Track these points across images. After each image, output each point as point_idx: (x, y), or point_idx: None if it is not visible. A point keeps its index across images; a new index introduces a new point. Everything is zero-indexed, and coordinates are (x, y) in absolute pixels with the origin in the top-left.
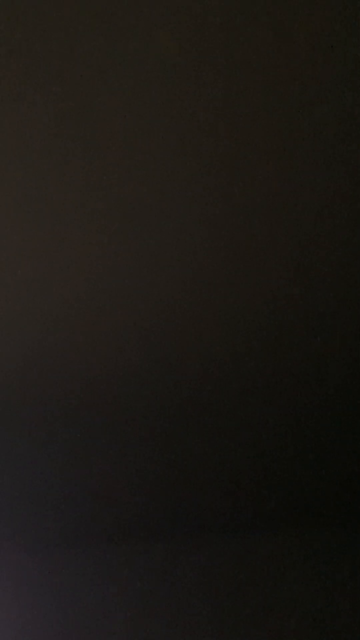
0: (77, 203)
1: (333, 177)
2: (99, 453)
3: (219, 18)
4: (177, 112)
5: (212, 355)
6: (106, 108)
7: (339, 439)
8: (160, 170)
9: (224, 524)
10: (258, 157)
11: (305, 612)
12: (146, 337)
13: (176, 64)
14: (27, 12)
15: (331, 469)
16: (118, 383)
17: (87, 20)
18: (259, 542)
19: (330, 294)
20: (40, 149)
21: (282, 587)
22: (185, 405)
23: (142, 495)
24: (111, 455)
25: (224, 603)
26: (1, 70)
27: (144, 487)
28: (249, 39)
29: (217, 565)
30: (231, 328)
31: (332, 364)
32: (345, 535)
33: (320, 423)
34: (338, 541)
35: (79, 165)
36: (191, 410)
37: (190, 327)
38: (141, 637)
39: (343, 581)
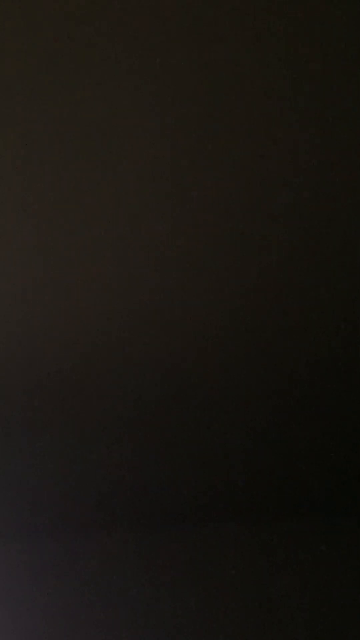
0: (77, 199)
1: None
2: (93, 441)
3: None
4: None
5: (209, 344)
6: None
7: (336, 430)
8: (158, 174)
9: (221, 513)
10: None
11: (302, 602)
12: (144, 324)
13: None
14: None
15: (329, 458)
16: (114, 371)
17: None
18: (257, 531)
19: (328, 278)
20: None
21: (280, 576)
22: (182, 393)
23: (138, 482)
24: (106, 445)
25: (220, 593)
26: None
27: (140, 474)
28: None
29: (213, 554)
30: (228, 317)
31: (331, 350)
32: (343, 525)
33: (320, 413)
34: (335, 531)
35: (82, 168)
36: (188, 398)
37: (187, 315)
38: (136, 629)
39: (340, 571)
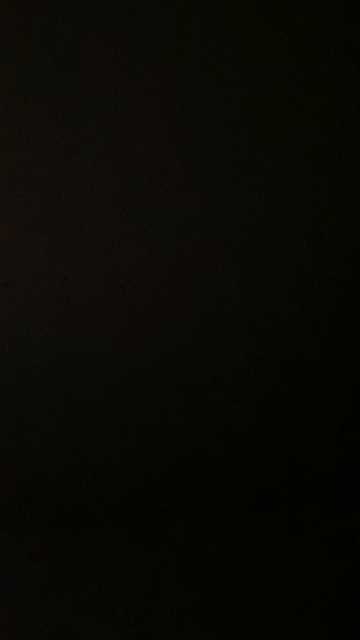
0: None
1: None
2: (92, 431)
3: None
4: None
5: (207, 339)
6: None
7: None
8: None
9: (219, 503)
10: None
11: (301, 593)
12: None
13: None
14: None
15: (328, 452)
16: (111, 366)
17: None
18: (257, 521)
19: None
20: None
21: (281, 568)
22: (182, 388)
23: (139, 471)
24: (104, 436)
25: (221, 587)
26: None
27: (141, 463)
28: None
29: (215, 547)
30: (228, 314)
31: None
32: (343, 517)
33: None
34: (335, 522)
35: (84, 169)
36: (188, 392)
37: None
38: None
39: (339, 562)
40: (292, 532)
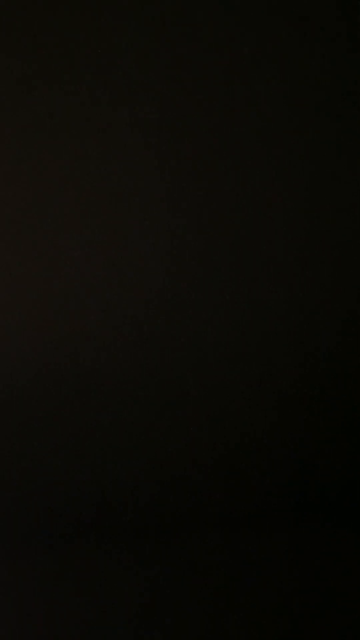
0: (77, 198)
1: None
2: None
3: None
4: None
5: (208, 350)
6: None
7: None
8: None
9: (219, 519)
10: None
11: (301, 607)
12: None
13: None
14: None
15: (327, 465)
16: (113, 377)
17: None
18: (256, 538)
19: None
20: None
21: (278, 584)
22: (179, 402)
23: (136, 488)
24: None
25: (222, 602)
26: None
27: (140, 480)
28: None
29: (210, 561)
30: (228, 322)
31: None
32: (343, 531)
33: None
34: (333, 535)
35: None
36: (189, 404)
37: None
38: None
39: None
40: (296, 548)
